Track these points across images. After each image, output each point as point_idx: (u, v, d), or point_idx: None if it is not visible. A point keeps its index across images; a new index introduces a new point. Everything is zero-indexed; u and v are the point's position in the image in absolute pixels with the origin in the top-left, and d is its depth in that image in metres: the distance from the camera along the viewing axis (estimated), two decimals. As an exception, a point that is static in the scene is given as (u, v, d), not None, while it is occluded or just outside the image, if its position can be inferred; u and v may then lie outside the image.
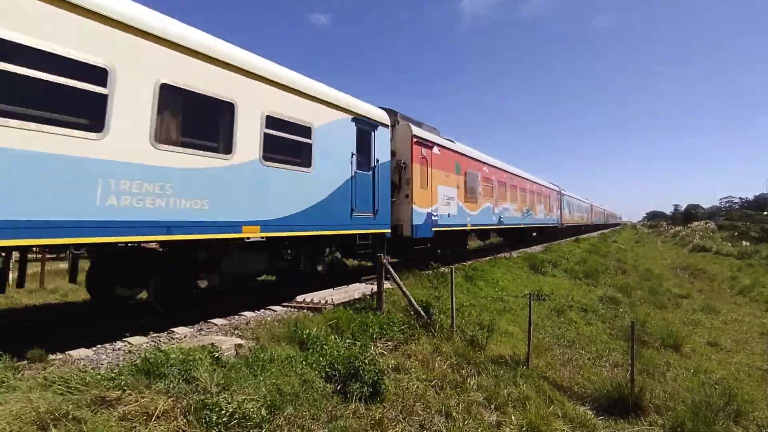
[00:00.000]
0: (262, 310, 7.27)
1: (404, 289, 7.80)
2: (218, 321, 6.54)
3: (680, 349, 10.14)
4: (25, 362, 4.40)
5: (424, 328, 7.35)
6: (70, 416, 3.03)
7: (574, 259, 22.28)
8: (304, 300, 7.68)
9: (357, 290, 8.48)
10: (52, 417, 2.96)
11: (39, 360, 4.55)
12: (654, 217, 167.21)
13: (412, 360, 6.27)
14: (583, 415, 6.16)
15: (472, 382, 6.14)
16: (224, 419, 3.54)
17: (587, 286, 16.39)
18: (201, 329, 6.18)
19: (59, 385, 3.52)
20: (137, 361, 4.14)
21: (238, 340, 5.46)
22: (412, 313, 7.70)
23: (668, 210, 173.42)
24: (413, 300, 7.74)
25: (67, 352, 4.91)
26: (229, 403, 3.69)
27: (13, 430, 2.80)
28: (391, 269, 7.80)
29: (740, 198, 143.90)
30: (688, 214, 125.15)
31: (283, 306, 7.56)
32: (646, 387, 6.88)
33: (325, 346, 5.63)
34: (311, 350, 5.52)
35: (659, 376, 8.10)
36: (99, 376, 3.81)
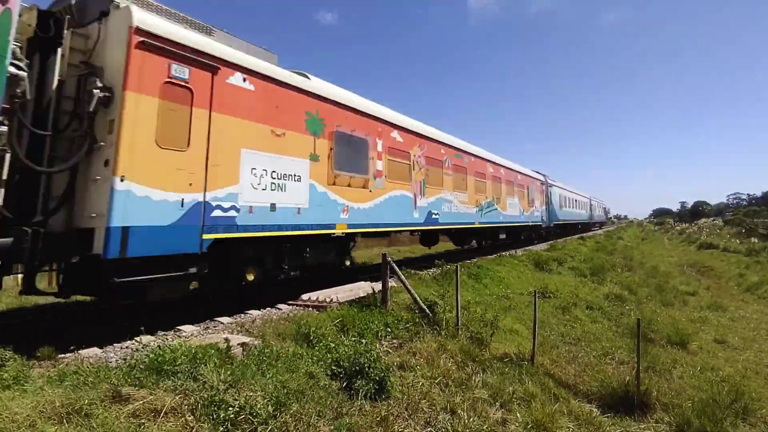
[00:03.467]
0: (268, 309, 7.32)
1: (409, 287, 7.82)
2: (225, 319, 6.59)
3: (687, 347, 10.09)
4: (35, 360, 4.47)
5: (429, 326, 7.36)
6: (83, 412, 3.08)
7: (579, 257, 22.19)
8: (309, 298, 7.72)
9: (362, 288, 8.50)
10: (65, 412, 3.01)
11: (49, 358, 4.62)
12: (660, 215, 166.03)
13: (417, 358, 6.28)
14: (588, 412, 6.15)
15: (477, 380, 6.15)
16: (231, 416, 3.57)
17: (593, 284, 16.34)
18: (207, 327, 6.24)
19: (72, 381, 3.57)
20: (146, 360, 4.18)
21: (245, 338, 5.51)
22: (416, 311, 7.72)
23: (675, 207, 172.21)
24: (418, 298, 7.76)
25: (77, 351, 4.98)
26: (236, 400, 3.73)
27: (33, 421, 2.87)
28: (396, 267, 7.82)
29: (748, 194, 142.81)
30: (695, 211, 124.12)
31: (289, 304, 7.61)
32: (653, 384, 6.87)
33: (330, 344, 5.67)
34: (317, 348, 5.56)
35: (665, 373, 8.08)
36: (109, 374, 3.86)
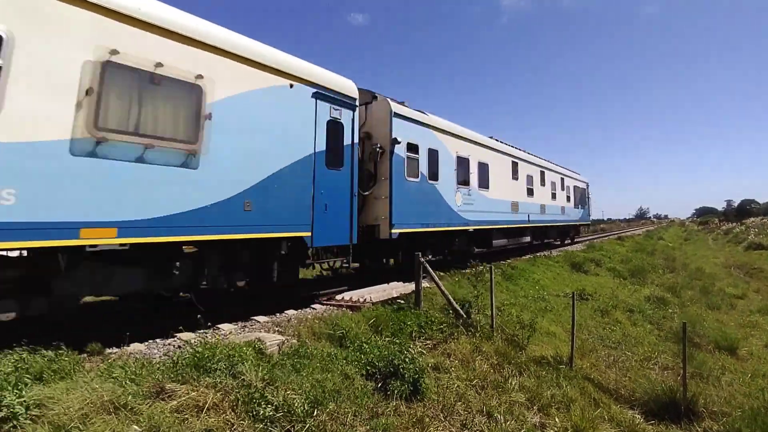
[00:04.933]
0: (302, 309, 7.41)
1: (442, 287, 7.76)
2: (261, 318, 6.71)
3: (736, 352, 9.60)
4: (85, 355, 4.68)
5: (464, 327, 7.29)
6: (129, 406, 3.20)
7: (617, 257, 21.51)
8: (343, 298, 7.77)
9: (395, 289, 8.50)
10: (113, 406, 3.14)
11: (97, 353, 4.82)
12: (704, 214, 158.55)
13: (451, 359, 6.23)
14: (631, 419, 5.95)
15: (513, 383, 6.04)
16: (270, 413, 3.63)
17: (633, 286, 15.78)
18: (245, 326, 6.36)
19: (118, 376, 3.72)
20: (187, 356, 4.30)
21: (280, 337, 5.59)
22: (450, 312, 7.66)
23: (720, 206, 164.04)
24: (451, 299, 7.69)
25: (122, 347, 5.17)
26: (274, 397, 3.79)
27: (85, 413, 3.01)
28: (429, 268, 7.78)
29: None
30: (743, 210, 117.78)
31: (323, 304, 7.69)
32: (700, 391, 6.58)
33: (364, 344, 5.69)
34: (351, 348, 5.59)
35: (713, 380, 7.71)
36: (153, 370, 4.00)
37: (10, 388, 3.10)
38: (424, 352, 6.25)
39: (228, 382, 3.96)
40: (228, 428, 3.39)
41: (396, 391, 4.82)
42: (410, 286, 8.39)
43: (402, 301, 7.85)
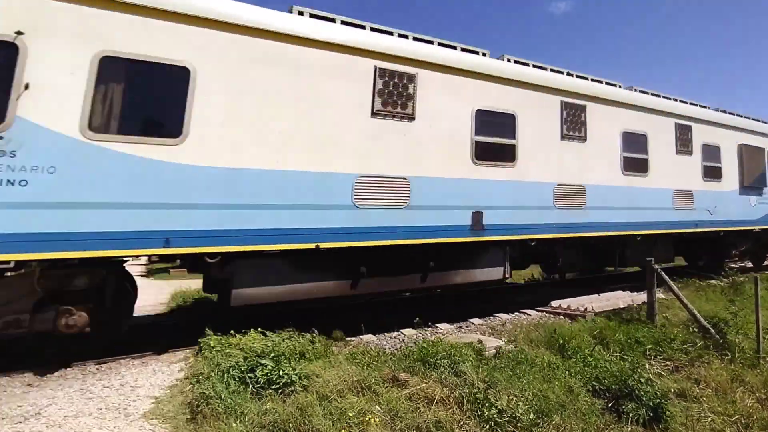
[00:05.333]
0: (516, 313, 7.28)
1: (684, 300, 6.61)
2: (475, 320, 6.86)
3: None
4: (332, 340, 5.55)
5: (715, 349, 6.06)
6: (372, 389, 3.68)
7: None
8: (560, 305, 7.35)
9: (620, 298, 7.63)
10: (359, 386, 3.65)
11: (340, 339, 5.66)
12: None
13: (701, 387, 5.24)
14: None
15: (797, 428, 4.73)
16: (494, 416, 3.68)
17: None
18: (460, 327, 6.60)
19: (360, 361, 4.31)
20: (414, 351, 4.70)
21: (497, 341, 5.61)
22: (696, 329, 6.44)
23: None
24: (697, 314, 6.47)
25: (358, 336, 5.96)
26: (497, 401, 3.82)
27: (340, 389, 3.59)
28: (665, 276, 6.73)
29: None
30: None
31: (538, 310, 7.41)
32: None
33: (588, 358, 5.27)
34: (573, 360, 5.24)
35: None
36: (387, 359, 4.51)
37: (287, 361, 3.91)
38: (663, 373, 5.43)
39: (452, 379, 4.17)
40: (456, 424, 3.57)
41: (631, 415, 4.31)
42: (640, 297, 7.41)
43: (630, 313, 6.98)
